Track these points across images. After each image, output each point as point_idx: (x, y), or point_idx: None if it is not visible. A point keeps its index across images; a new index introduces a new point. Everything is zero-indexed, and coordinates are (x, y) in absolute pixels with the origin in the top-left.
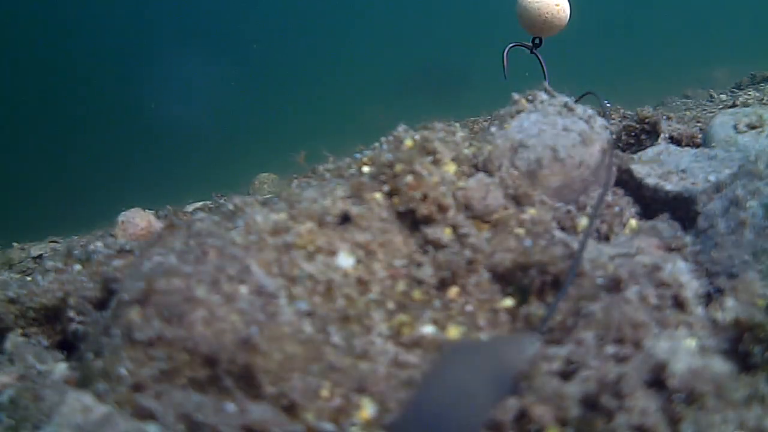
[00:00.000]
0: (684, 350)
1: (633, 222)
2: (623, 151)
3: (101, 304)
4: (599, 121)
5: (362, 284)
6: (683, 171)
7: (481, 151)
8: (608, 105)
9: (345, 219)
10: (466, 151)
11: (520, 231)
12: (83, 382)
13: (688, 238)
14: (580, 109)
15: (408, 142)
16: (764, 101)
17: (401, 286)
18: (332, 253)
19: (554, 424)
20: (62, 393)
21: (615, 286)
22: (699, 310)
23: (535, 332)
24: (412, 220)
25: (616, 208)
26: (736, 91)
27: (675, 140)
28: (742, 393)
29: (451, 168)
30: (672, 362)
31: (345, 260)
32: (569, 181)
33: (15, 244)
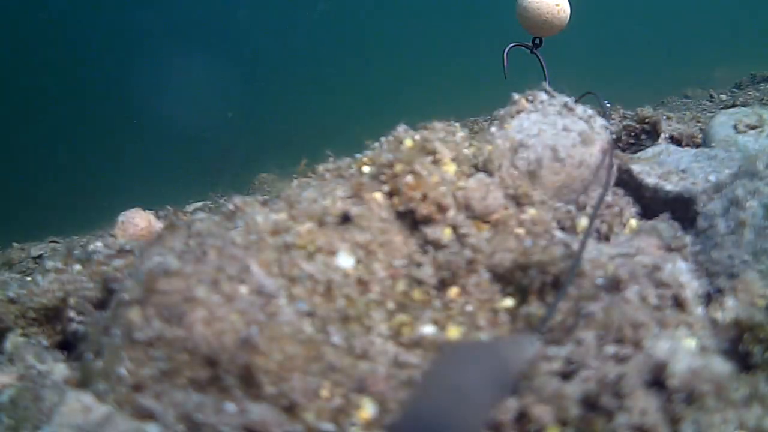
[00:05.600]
0: (684, 350)
1: (633, 222)
2: (623, 151)
3: (101, 304)
4: (599, 121)
5: (362, 284)
6: (683, 171)
7: (481, 151)
8: (608, 105)
9: (345, 219)
10: (466, 151)
11: (520, 231)
12: (83, 382)
13: (688, 238)
14: (580, 109)
15: (408, 142)
16: (764, 101)
17: (401, 286)
18: (332, 253)
19: (554, 424)
20: (62, 393)
21: (615, 286)
22: (699, 310)
23: (535, 332)
24: (412, 220)
25: (616, 208)
26: (736, 91)
27: (675, 140)
28: (742, 393)
29: (451, 168)
30: (672, 362)
31: (345, 260)
32: (569, 181)
33: (15, 244)
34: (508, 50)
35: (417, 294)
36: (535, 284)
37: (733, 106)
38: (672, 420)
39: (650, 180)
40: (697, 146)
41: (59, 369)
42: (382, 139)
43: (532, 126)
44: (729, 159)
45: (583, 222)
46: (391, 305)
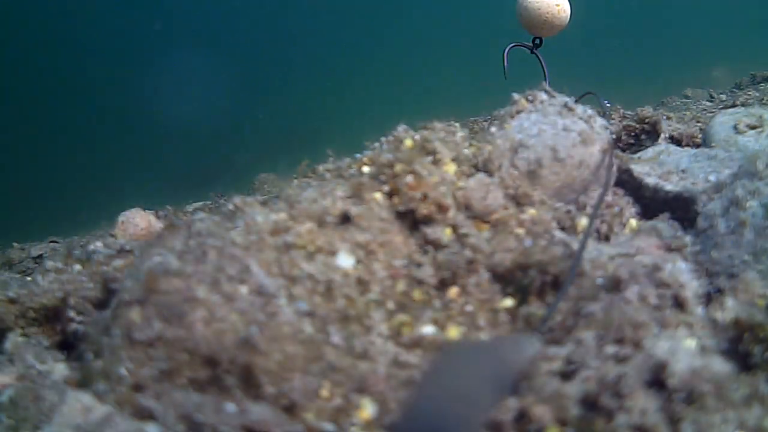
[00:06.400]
0: (684, 350)
1: (633, 222)
2: (623, 151)
3: (101, 304)
4: (599, 121)
5: (362, 284)
6: (683, 171)
7: (481, 151)
8: (608, 105)
9: (345, 219)
10: (466, 151)
11: (520, 231)
12: (83, 382)
13: (688, 238)
14: (580, 109)
15: (408, 142)
16: (764, 101)
17: (401, 286)
18: (332, 253)
19: (554, 424)
20: (62, 393)
21: (615, 286)
22: (699, 310)
23: (535, 332)
24: (412, 220)
25: (616, 208)
26: (736, 91)
27: (675, 140)
28: (742, 393)
29: (451, 168)
30: (672, 362)
31: (345, 260)
32: (569, 181)
33: (15, 244)
34: (508, 50)
35: (417, 294)
36: (535, 284)
37: (733, 106)
38: (672, 420)
39: (650, 180)
40: (697, 146)
41: (59, 369)
42: (382, 139)
43: (532, 126)
44: (729, 159)
45: (583, 222)
46: (391, 305)
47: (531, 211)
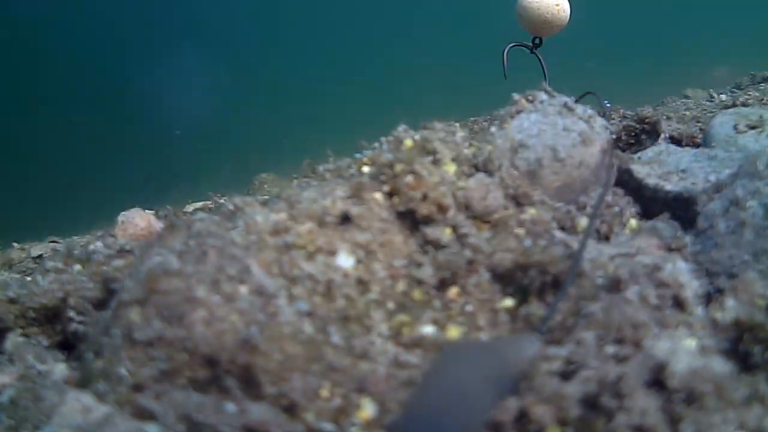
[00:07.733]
0: (684, 350)
1: (633, 222)
2: (623, 151)
3: (101, 304)
4: (599, 121)
5: (362, 284)
6: (683, 171)
7: (481, 151)
8: (608, 105)
9: (345, 219)
10: (466, 151)
11: (520, 231)
12: (83, 382)
13: (688, 238)
14: (580, 109)
15: (408, 142)
16: (764, 101)
17: (401, 286)
18: (332, 253)
19: (554, 424)
20: (62, 393)
21: (615, 286)
22: (699, 310)
23: (535, 332)
24: (412, 220)
25: (616, 208)
26: (736, 91)
27: (675, 140)
28: (742, 393)
29: (451, 168)
30: (672, 362)
31: (345, 260)
32: (569, 181)
33: (15, 244)
34: (508, 50)
35: (417, 294)
36: (535, 284)
37: (733, 106)
38: (672, 420)
39: (650, 180)
40: (697, 146)
41: (59, 369)
42: (382, 139)
43: (532, 126)
44: (729, 159)
45: (583, 222)
46: (391, 305)
47: (531, 211)
